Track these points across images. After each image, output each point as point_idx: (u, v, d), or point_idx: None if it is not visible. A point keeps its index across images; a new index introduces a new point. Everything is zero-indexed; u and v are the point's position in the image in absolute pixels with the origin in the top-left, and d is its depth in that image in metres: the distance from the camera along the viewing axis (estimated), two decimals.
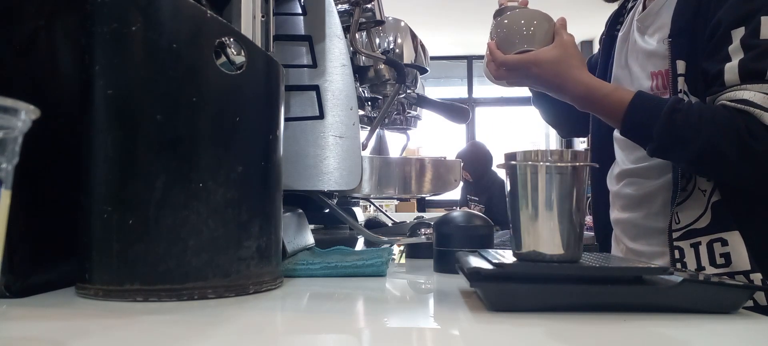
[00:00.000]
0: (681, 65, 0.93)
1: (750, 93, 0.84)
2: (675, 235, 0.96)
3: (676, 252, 0.95)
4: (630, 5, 1.15)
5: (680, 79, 0.93)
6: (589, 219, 1.31)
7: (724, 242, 0.92)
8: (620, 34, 1.13)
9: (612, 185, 1.15)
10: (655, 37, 1.01)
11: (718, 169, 0.89)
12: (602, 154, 1.17)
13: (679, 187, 0.95)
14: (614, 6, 1.21)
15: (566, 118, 1.23)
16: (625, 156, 1.10)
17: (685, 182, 0.96)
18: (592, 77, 0.96)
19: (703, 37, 0.91)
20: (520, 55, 0.97)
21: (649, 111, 0.89)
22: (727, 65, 0.87)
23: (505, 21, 1.00)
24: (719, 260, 0.92)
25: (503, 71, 0.99)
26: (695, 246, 0.94)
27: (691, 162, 0.89)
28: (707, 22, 0.91)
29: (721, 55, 0.88)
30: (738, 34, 0.86)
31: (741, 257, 0.90)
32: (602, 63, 1.18)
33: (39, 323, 0.54)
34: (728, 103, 0.86)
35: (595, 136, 1.21)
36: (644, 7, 1.07)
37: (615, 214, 1.14)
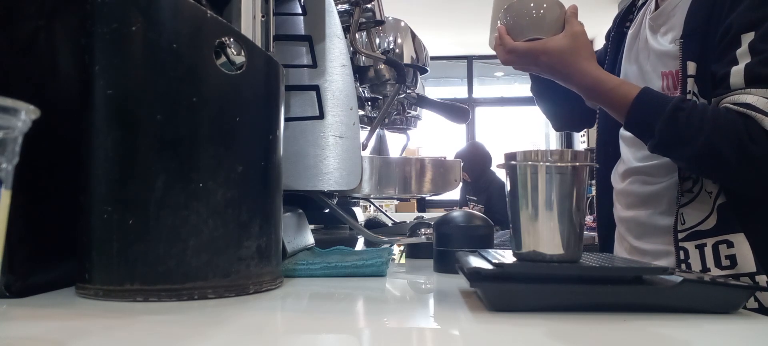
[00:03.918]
0: (691, 66, 0.93)
1: (753, 97, 0.84)
2: (680, 235, 0.96)
3: (681, 253, 0.95)
4: (641, 2, 1.15)
5: (690, 80, 0.93)
6: (589, 218, 1.31)
7: (730, 244, 0.92)
8: (631, 31, 1.13)
9: (617, 182, 1.15)
10: (668, 37, 1.01)
11: (717, 171, 0.89)
12: (607, 151, 1.17)
13: (683, 188, 0.95)
14: (624, 2, 1.21)
15: (562, 111, 1.23)
16: (631, 154, 1.10)
17: (691, 184, 0.96)
18: (600, 69, 0.96)
19: (715, 40, 0.91)
20: (530, 43, 0.97)
21: (653, 107, 0.89)
22: (734, 68, 0.87)
23: (515, 5, 1.00)
24: (725, 262, 0.92)
25: (512, 57, 0.99)
26: (700, 248, 0.94)
27: (690, 161, 0.90)
28: (720, 24, 0.91)
29: (728, 57, 0.88)
30: (747, 38, 0.87)
31: (746, 259, 0.90)
32: (610, 60, 1.18)
33: (39, 323, 0.54)
34: (731, 105, 0.86)
35: (600, 133, 1.21)
36: (657, 7, 1.07)
37: (619, 211, 1.14)
